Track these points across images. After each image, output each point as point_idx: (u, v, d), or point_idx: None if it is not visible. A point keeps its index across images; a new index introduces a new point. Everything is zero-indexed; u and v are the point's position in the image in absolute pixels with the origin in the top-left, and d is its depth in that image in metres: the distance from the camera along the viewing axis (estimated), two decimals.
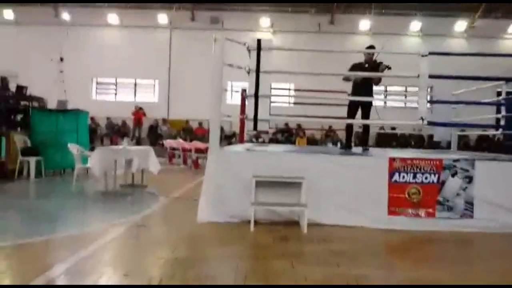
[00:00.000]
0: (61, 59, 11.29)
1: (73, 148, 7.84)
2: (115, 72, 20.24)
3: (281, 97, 11.35)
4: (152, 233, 4.71)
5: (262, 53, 5.28)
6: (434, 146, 15.21)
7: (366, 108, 6.77)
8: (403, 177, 5.05)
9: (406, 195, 5.03)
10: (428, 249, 4.35)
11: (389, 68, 6.35)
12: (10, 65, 17.84)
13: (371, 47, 6.90)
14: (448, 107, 7.75)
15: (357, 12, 19.74)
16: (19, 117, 10.21)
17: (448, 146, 9.59)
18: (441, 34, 19.40)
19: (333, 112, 7.92)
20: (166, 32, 20.35)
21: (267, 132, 13.88)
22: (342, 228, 4.80)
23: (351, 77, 6.75)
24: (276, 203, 4.97)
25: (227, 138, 17.25)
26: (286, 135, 17.77)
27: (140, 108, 18.96)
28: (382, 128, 17.88)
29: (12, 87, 10.42)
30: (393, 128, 18.06)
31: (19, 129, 9.71)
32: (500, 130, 8.48)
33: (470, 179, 5.03)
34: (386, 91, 18.50)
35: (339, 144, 12.73)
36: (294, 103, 11.79)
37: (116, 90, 20.99)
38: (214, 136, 5.22)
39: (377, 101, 7.09)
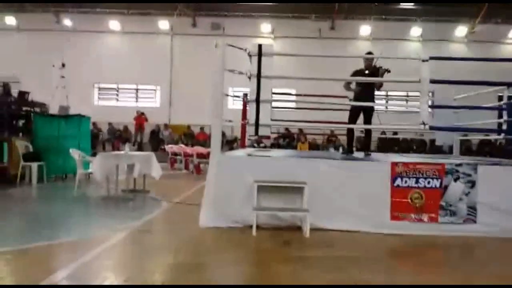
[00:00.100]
0: (63, 65, 11.29)
1: (75, 153, 7.85)
2: (116, 78, 20.30)
3: (282, 102, 11.36)
4: (154, 239, 4.70)
5: (263, 58, 5.29)
6: (436, 150, 15.21)
7: (368, 113, 6.77)
8: (406, 181, 5.04)
9: (409, 200, 5.01)
10: (431, 254, 4.33)
11: (389, 71, 6.40)
12: (12, 71, 18.03)
13: (369, 53, 6.95)
14: (449, 111, 7.75)
15: (358, 17, 19.80)
16: (21, 122, 10.25)
17: (450, 150, 9.58)
18: (441, 39, 19.43)
19: (334, 117, 7.93)
20: (167, 38, 20.43)
21: (268, 137, 13.89)
22: (344, 233, 4.78)
23: (352, 85, 6.78)
24: (278, 208, 4.96)
25: (229, 143, 17.25)
26: (288, 140, 17.76)
27: (142, 114, 18.98)
28: (383, 133, 17.86)
29: (14, 93, 10.47)
30: (395, 133, 18.05)
31: (21, 134, 9.74)
32: (502, 135, 8.46)
33: (472, 184, 5.01)
34: (387, 96, 18.57)
35: (341, 149, 12.72)
36: (296, 108, 11.80)
37: (117, 95, 21.04)
38: (216, 141, 5.22)
39: (378, 106, 7.10)
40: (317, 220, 4.78)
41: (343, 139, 11.61)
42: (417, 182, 5.03)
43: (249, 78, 5.35)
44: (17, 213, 6.20)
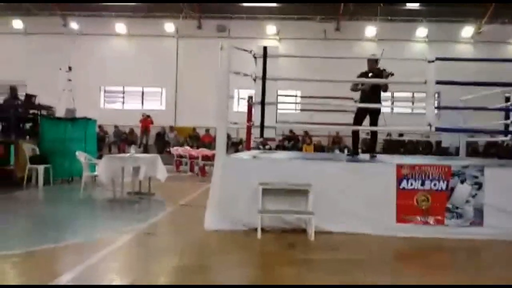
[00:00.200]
0: (70, 68, 11.36)
1: (81, 156, 7.89)
2: (122, 81, 20.40)
3: (287, 104, 11.35)
4: (159, 241, 4.71)
5: (268, 60, 5.29)
6: (442, 152, 15.12)
7: (375, 115, 6.75)
8: (412, 184, 5.01)
9: (415, 202, 4.98)
10: (437, 257, 4.29)
11: (392, 74, 6.39)
12: (19, 74, 18.20)
13: (373, 56, 6.96)
14: (456, 113, 7.70)
15: (363, 18, 19.75)
16: (28, 125, 10.32)
17: (457, 152, 9.51)
18: (447, 40, 19.32)
19: (340, 119, 7.90)
20: (173, 41, 20.51)
21: (274, 139, 13.88)
22: (350, 236, 4.76)
23: (359, 86, 6.77)
24: (283, 210, 4.95)
25: (234, 145, 17.27)
26: (293, 142, 17.74)
27: (148, 116, 19.06)
28: (389, 134, 17.79)
29: (21, 96, 10.54)
30: (401, 135, 17.97)
31: (27, 137, 9.81)
32: (509, 136, 8.40)
33: (479, 186, 4.97)
34: (393, 97, 18.49)
35: (346, 151, 12.69)
36: (301, 110, 11.78)
37: (123, 98, 21.14)
38: (221, 143, 5.22)
39: (385, 108, 7.07)
40: (322, 222, 4.76)
41: (349, 141, 11.59)
42: (423, 184, 5.00)
43: (254, 80, 5.35)
44: (23, 215, 6.24)
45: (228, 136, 7.34)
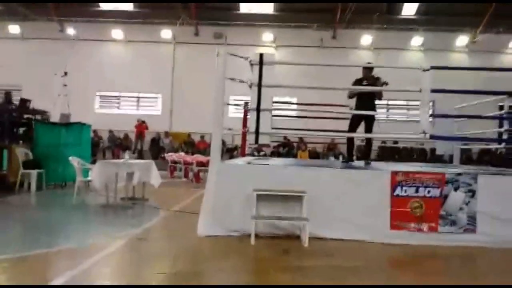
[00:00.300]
0: (65, 73, 11.33)
1: (74, 161, 7.85)
2: (119, 86, 20.35)
3: (283, 110, 11.37)
4: (153, 246, 4.67)
5: (264, 67, 5.31)
6: (436, 159, 15.19)
7: (370, 122, 6.79)
8: (406, 191, 5.02)
9: (409, 209, 4.99)
10: (431, 264, 4.30)
11: (387, 84, 6.46)
12: (15, 79, 18.14)
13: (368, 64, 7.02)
14: (450, 121, 7.76)
15: (359, 27, 19.88)
16: (22, 130, 10.26)
17: (451, 159, 9.56)
18: (443, 49, 19.49)
19: (335, 126, 7.92)
20: (170, 47, 20.53)
21: (268, 146, 13.88)
22: (344, 242, 4.76)
23: (355, 93, 6.82)
24: (277, 216, 4.94)
25: (229, 151, 17.25)
26: (288, 148, 17.75)
27: (143, 122, 19.01)
28: (384, 141, 17.85)
29: (16, 100, 10.50)
30: (396, 142, 18.03)
31: (21, 142, 9.75)
32: (503, 144, 8.46)
33: (473, 193, 5.00)
34: (388, 105, 18.58)
35: (341, 158, 12.71)
36: (296, 117, 11.80)
37: (119, 103, 21.10)
38: (216, 149, 5.22)
39: (380, 115, 7.11)
40: (316, 229, 4.76)
41: (344, 148, 11.61)
42: (417, 191, 5.01)
43: (250, 86, 5.36)
44: (15, 220, 6.19)
45: (223, 142, 7.32)
